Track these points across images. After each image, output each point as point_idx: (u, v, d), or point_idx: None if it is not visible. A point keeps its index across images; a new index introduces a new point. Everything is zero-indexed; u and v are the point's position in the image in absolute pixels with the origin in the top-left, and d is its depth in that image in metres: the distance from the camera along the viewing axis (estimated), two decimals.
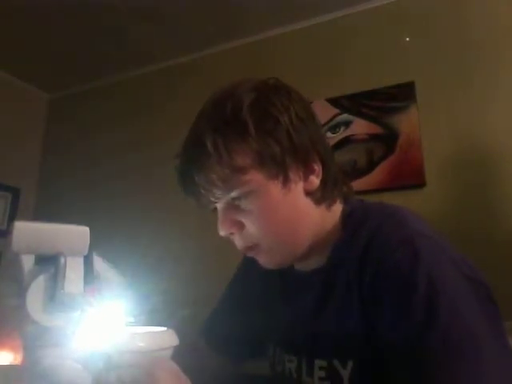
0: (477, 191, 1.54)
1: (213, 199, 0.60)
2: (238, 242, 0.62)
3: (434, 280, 0.48)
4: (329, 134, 1.80)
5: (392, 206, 0.61)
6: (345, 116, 1.81)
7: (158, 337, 0.53)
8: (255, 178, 0.57)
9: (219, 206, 0.61)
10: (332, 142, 1.78)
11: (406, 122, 1.69)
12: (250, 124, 0.56)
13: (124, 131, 2.33)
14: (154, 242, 2.06)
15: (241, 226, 0.60)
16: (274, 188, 0.58)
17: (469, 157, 1.58)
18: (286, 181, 0.58)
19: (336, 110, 1.82)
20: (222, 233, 0.61)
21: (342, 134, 1.79)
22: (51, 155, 2.55)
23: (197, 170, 0.58)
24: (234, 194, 0.58)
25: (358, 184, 1.68)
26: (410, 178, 1.64)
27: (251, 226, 0.60)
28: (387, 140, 1.71)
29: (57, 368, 0.47)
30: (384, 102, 1.75)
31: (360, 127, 1.77)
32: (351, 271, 0.57)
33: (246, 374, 0.84)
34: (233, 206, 0.60)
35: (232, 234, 0.61)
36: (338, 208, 0.65)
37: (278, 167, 0.58)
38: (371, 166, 1.71)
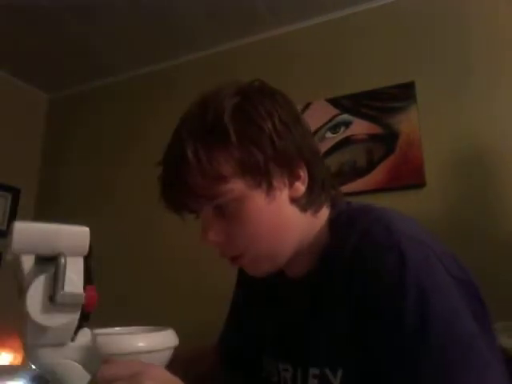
0: (477, 191, 1.54)
1: (195, 208, 0.59)
2: (222, 251, 0.61)
3: (423, 289, 0.47)
4: (329, 134, 1.80)
5: (378, 208, 0.59)
6: (345, 116, 1.80)
7: (158, 337, 0.53)
8: (238, 186, 0.55)
9: (202, 214, 0.59)
10: (332, 142, 1.78)
11: (406, 122, 1.69)
12: (232, 131, 0.54)
13: (124, 131, 2.34)
14: (155, 242, 2.06)
15: (224, 234, 0.58)
16: (258, 196, 0.56)
17: (469, 157, 1.58)
18: (269, 189, 0.57)
19: (336, 110, 1.82)
20: (205, 242, 0.59)
21: (342, 134, 1.79)
22: (51, 155, 2.55)
23: (178, 179, 0.57)
24: (216, 202, 0.57)
25: (358, 184, 1.68)
26: (410, 178, 1.63)
27: (234, 235, 0.58)
28: (387, 140, 1.70)
29: (56, 368, 0.47)
30: (384, 102, 1.75)
31: (360, 127, 1.77)
32: (339, 279, 0.56)
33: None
34: (216, 215, 0.58)
35: (215, 242, 0.59)
36: (324, 213, 0.64)
37: (261, 175, 0.56)
38: (371, 166, 1.70)
